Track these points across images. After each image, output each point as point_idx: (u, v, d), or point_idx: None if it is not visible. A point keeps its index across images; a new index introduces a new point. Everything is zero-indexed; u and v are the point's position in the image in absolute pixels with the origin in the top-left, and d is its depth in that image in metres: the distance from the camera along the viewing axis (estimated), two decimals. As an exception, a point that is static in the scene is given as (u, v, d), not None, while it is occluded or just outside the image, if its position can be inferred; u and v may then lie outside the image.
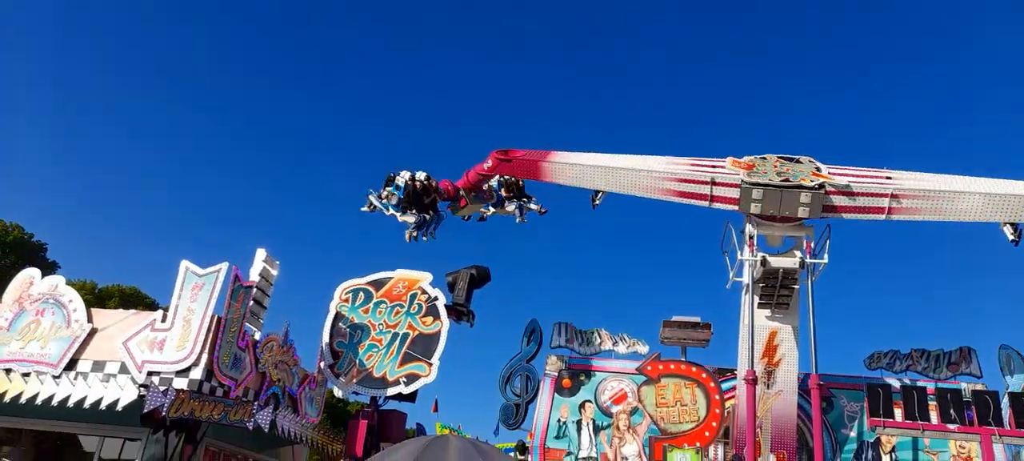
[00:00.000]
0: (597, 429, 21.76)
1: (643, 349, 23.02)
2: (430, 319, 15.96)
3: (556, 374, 23.04)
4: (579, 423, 21.93)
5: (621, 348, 23.21)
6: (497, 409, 23.10)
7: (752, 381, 17.22)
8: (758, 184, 17.90)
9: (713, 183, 18.40)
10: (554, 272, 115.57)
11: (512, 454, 21.86)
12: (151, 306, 32.93)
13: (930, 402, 15.03)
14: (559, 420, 22.25)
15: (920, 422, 14.47)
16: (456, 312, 16.50)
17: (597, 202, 20.77)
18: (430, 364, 15.18)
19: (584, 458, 21.29)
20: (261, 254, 12.84)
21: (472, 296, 17.13)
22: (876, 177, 17.93)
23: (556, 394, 22.76)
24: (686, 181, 18.76)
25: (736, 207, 18.43)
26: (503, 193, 21.51)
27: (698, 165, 19.30)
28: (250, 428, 10.57)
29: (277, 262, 13.22)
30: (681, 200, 18.92)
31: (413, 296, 16.26)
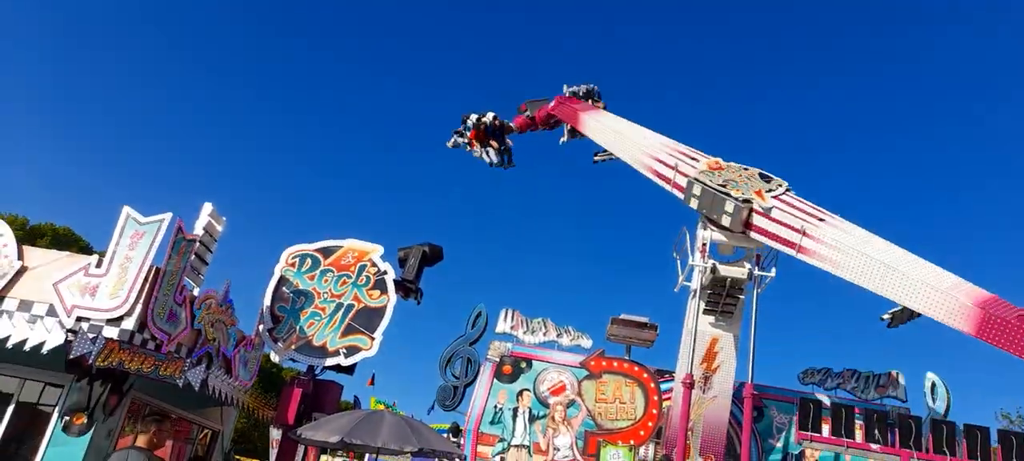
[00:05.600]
0: (532, 418, 21.92)
1: (586, 343, 23.27)
2: (377, 293, 15.58)
3: (497, 360, 23.10)
4: (515, 411, 22.04)
5: (565, 340, 23.39)
6: (434, 389, 23.20)
7: (689, 385, 17.54)
8: (700, 181, 18.47)
9: (676, 171, 19.58)
10: (506, 262, 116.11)
11: (445, 435, 21.79)
12: (85, 249, 31.64)
13: (857, 421, 15.61)
14: (495, 406, 22.32)
15: (846, 439, 14.99)
16: (404, 288, 16.15)
17: (597, 159, 24.63)
18: (373, 338, 14.87)
19: (516, 445, 21.42)
20: (207, 208, 12.27)
21: (422, 274, 16.83)
22: (804, 213, 17.41)
23: (495, 380, 22.82)
24: (659, 161, 20.40)
25: (681, 195, 19.24)
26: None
27: (676, 152, 20.48)
28: (180, 385, 10.18)
29: (223, 219, 12.67)
30: (652, 177, 20.49)
31: (362, 267, 15.87)
